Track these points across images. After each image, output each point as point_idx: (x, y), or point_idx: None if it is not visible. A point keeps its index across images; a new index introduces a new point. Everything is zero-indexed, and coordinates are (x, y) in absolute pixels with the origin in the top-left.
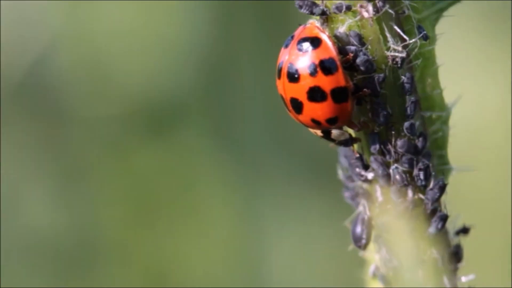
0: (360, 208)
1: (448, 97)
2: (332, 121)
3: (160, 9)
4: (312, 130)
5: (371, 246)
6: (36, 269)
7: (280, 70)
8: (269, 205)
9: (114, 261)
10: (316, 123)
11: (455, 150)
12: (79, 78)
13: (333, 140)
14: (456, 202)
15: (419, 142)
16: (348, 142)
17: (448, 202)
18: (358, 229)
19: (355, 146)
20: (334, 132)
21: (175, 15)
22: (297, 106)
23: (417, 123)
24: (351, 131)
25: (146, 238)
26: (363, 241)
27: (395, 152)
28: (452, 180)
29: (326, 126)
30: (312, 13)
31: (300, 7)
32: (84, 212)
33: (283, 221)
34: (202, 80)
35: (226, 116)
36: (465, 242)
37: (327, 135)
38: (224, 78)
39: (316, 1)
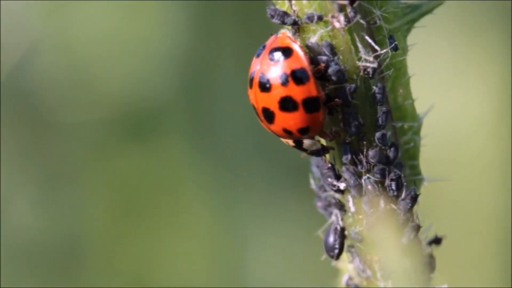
0: (333, 218)
1: (426, 106)
2: (304, 131)
3: (140, 15)
4: (284, 140)
5: (344, 256)
6: (21, 271)
7: (252, 80)
8: (249, 209)
9: (99, 262)
10: (287, 133)
11: (436, 158)
12: (61, 83)
13: (305, 150)
14: (433, 212)
15: (390, 152)
16: (320, 152)
17: (422, 212)
18: (331, 239)
19: (327, 156)
20: (306, 142)
21: (155, 20)
22: (268, 115)
23: (389, 133)
24: (323, 141)
25: (129, 240)
26: (336, 251)
27: (367, 162)
28: (429, 189)
29: (297, 136)
30: (283, 23)
31: (272, 16)
32: (68, 215)
33: (262, 226)
34: (183, 85)
35: (207, 121)
36: (439, 252)
37: (299, 145)
38: (205, 84)
39: (288, 11)
